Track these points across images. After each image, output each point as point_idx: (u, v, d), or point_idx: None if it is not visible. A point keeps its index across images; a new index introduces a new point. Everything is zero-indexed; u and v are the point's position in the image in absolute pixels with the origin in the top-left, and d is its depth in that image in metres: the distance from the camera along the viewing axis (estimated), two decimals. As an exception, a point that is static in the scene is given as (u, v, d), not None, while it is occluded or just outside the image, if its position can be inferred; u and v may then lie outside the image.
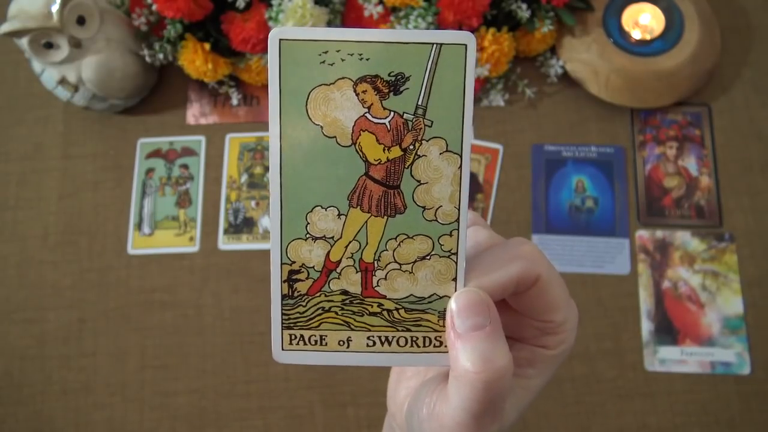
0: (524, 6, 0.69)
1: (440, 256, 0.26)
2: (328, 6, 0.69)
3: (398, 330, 0.27)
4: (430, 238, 0.26)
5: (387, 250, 0.26)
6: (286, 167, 0.25)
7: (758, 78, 0.74)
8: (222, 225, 0.72)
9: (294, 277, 0.27)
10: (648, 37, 0.71)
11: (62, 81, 0.69)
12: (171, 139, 0.76)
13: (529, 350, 0.28)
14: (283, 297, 0.27)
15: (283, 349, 0.27)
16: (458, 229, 0.26)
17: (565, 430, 0.64)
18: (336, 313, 0.27)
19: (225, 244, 0.72)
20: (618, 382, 0.65)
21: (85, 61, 0.68)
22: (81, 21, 0.67)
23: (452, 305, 0.25)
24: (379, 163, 0.26)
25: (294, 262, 0.26)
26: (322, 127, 0.25)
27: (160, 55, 0.72)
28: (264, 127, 0.75)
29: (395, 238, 0.26)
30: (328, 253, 0.26)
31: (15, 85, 0.79)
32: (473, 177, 0.72)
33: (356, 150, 0.25)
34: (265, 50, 0.70)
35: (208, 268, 0.71)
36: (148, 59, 0.72)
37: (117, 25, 0.71)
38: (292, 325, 0.27)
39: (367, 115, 0.25)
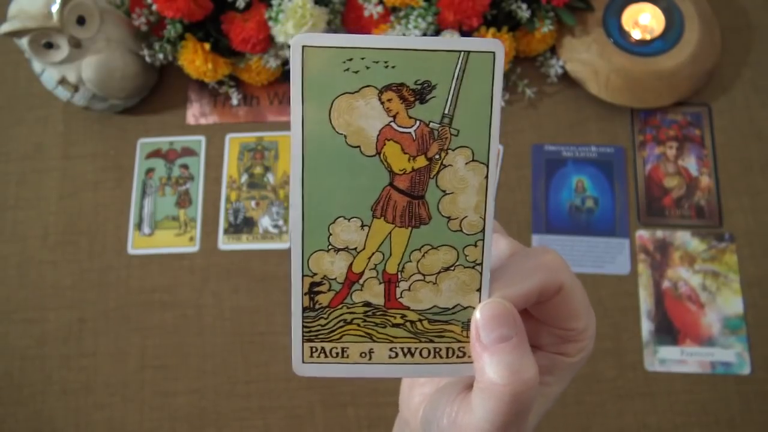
0: (524, 6, 0.69)
1: (465, 267, 0.26)
2: (328, 6, 0.69)
3: (421, 341, 0.27)
4: (455, 248, 0.26)
5: (411, 261, 0.26)
6: (309, 178, 0.25)
7: (758, 78, 0.74)
8: (222, 225, 0.72)
9: (315, 289, 0.26)
10: (648, 37, 0.71)
11: (62, 81, 0.69)
12: (171, 139, 0.76)
13: (548, 358, 0.28)
14: (304, 309, 0.27)
15: (303, 362, 0.27)
16: (483, 240, 0.26)
17: (565, 430, 0.64)
18: (358, 325, 0.27)
19: (225, 244, 0.72)
20: (618, 382, 0.65)
21: (85, 61, 0.68)
22: (81, 21, 0.67)
23: (477, 316, 0.25)
24: (404, 173, 0.25)
25: (315, 274, 0.26)
26: (345, 136, 0.24)
27: (160, 55, 0.72)
28: (264, 127, 0.75)
29: (419, 249, 0.26)
30: (351, 264, 0.26)
31: (15, 85, 0.79)
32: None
33: (381, 160, 0.25)
34: (264, 50, 0.70)
35: (208, 268, 0.71)
36: (148, 59, 0.72)
37: (117, 25, 0.71)
38: (313, 337, 0.27)
39: (392, 124, 0.24)
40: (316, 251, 0.26)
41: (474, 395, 0.25)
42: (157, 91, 0.77)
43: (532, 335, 0.28)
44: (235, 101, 0.75)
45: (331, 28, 0.71)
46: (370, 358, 0.27)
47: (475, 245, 0.26)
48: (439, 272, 0.26)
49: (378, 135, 0.25)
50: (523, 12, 0.69)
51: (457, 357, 0.27)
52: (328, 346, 0.27)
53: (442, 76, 0.24)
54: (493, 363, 0.24)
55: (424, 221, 0.26)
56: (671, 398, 0.64)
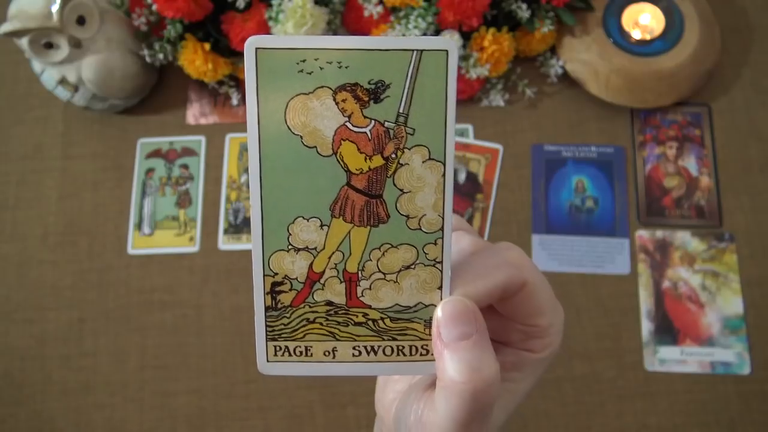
0: (524, 6, 0.69)
1: (425, 265, 0.26)
2: (328, 6, 0.69)
3: (384, 339, 0.27)
4: (415, 247, 0.26)
5: (371, 260, 0.26)
6: (267, 179, 0.25)
7: (758, 78, 0.74)
8: (222, 225, 0.72)
9: (277, 288, 0.27)
10: (648, 37, 0.71)
11: (62, 81, 0.69)
12: (171, 139, 0.76)
13: (515, 354, 0.28)
14: (267, 309, 0.27)
15: (268, 361, 0.27)
16: (443, 238, 0.26)
17: (565, 430, 0.64)
18: (321, 324, 0.27)
19: (225, 244, 0.72)
20: (618, 382, 0.65)
21: (85, 61, 0.68)
22: (81, 21, 0.67)
23: (438, 314, 0.25)
24: (361, 173, 0.25)
25: (276, 274, 0.26)
26: (302, 136, 0.25)
27: (160, 55, 0.72)
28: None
29: (379, 248, 0.26)
30: (311, 264, 0.26)
31: (15, 85, 0.79)
32: (473, 177, 0.73)
33: (337, 160, 0.25)
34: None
35: (208, 268, 0.71)
36: (148, 59, 0.72)
37: (117, 25, 0.71)
38: (276, 336, 0.27)
39: (348, 124, 0.25)
40: (276, 251, 0.26)
41: (437, 393, 0.25)
42: (157, 91, 0.77)
43: (498, 332, 0.28)
44: (235, 101, 0.75)
45: (331, 28, 0.71)
46: (334, 357, 0.27)
47: (435, 243, 0.26)
48: (400, 271, 0.26)
49: (334, 135, 0.25)
50: (523, 12, 0.69)
51: (420, 355, 0.27)
52: (291, 344, 0.27)
53: (396, 76, 0.24)
54: (454, 361, 0.24)
55: (383, 220, 0.26)
56: (671, 398, 0.64)
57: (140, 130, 0.76)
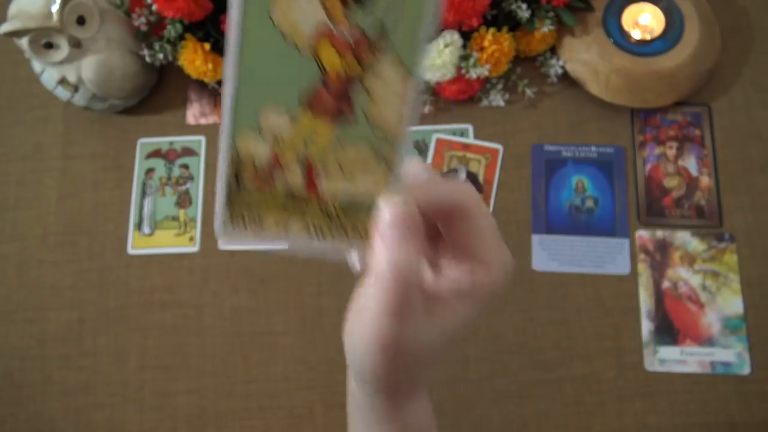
0: (524, 6, 0.69)
1: (379, 165, 0.28)
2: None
3: (332, 223, 0.29)
4: (372, 147, 0.27)
5: (331, 153, 0.28)
6: (244, 67, 0.26)
7: (758, 78, 0.74)
8: (222, 225, 0.72)
9: (241, 168, 0.28)
10: (648, 37, 0.71)
11: (62, 81, 0.69)
12: (171, 139, 0.76)
13: (458, 282, 0.30)
14: (229, 184, 0.28)
15: (225, 232, 0.29)
16: (399, 142, 0.27)
17: (565, 430, 0.64)
18: (277, 203, 0.29)
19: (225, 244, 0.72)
20: (618, 382, 0.65)
21: (85, 61, 0.68)
22: (81, 21, 0.67)
23: (381, 210, 0.27)
24: (334, 72, 0.26)
25: (242, 153, 0.27)
26: (283, 31, 0.25)
27: (160, 55, 0.72)
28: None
29: (340, 143, 0.28)
30: (276, 149, 0.28)
31: (15, 85, 0.79)
32: (473, 177, 0.73)
33: (314, 58, 0.26)
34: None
35: (208, 268, 0.71)
36: (148, 59, 0.72)
37: (117, 25, 0.71)
38: (235, 210, 0.28)
39: (329, 24, 0.25)
40: (245, 132, 0.27)
41: (369, 281, 0.27)
42: (157, 91, 0.77)
43: (446, 260, 0.31)
44: (235, 101, 0.75)
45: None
46: (286, 231, 0.29)
47: (391, 146, 0.27)
48: (356, 167, 0.28)
49: (314, 34, 0.26)
50: (523, 12, 0.69)
51: (364, 243, 0.29)
52: (247, 212, 0.29)
53: None
54: (383, 252, 0.26)
55: (348, 118, 0.27)
56: (671, 398, 0.64)
57: (140, 130, 0.76)
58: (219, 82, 0.75)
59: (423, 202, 0.28)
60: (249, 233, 0.29)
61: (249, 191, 0.28)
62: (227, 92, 0.26)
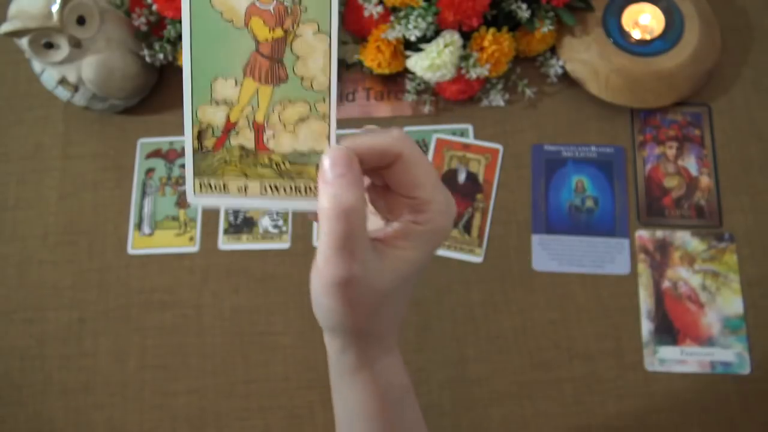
0: (524, 6, 0.69)
1: (316, 119, 0.32)
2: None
3: (284, 179, 0.33)
4: (308, 103, 0.32)
5: (274, 113, 0.32)
6: (195, 46, 0.32)
7: (758, 78, 0.74)
8: (222, 225, 0.72)
9: (202, 135, 0.33)
10: (648, 37, 0.71)
11: (62, 81, 0.69)
12: (171, 139, 0.76)
13: (402, 224, 0.33)
14: (194, 152, 0.33)
15: (195, 194, 0.33)
16: (330, 96, 0.32)
17: (565, 430, 0.64)
18: (235, 165, 0.33)
19: (225, 244, 0.72)
20: (618, 382, 0.65)
21: (85, 61, 0.68)
22: (81, 21, 0.67)
23: (324, 158, 0.31)
24: (266, 42, 0.32)
25: (202, 122, 0.33)
26: (222, 12, 0.31)
27: (160, 55, 0.72)
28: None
29: (280, 103, 0.32)
30: (228, 115, 0.32)
31: (15, 85, 0.79)
32: (473, 177, 0.73)
33: (248, 31, 0.31)
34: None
35: (208, 268, 0.71)
36: (148, 59, 0.72)
37: (117, 25, 0.71)
38: (201, 174, 0.33)
39: (256, 2, 0.31)
40: (202, 104, 0.32)
41: (320, 228, 0.31)
42: (157, 91, 0.77)
43: (391, 206, 0.34)
44: (235, 101, 0.75)
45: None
46: (246, 193, 0.33)
47: (324, 101, 0.32)
48: (297, 123, 0.32)
49: (245, 11, 0.31)
50: (523, 12, 0.69)
51: (313, 194, 0.33)
52: (212, 181, 0.33)
53: None
54: (327, 193, 0.30)
55: (283, 80, 0.32)
56: (671, 398, 0.64)
57: (140, 130, 0.76)
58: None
59: (359, 147, 0.31)
60: (215, 196, 0.34)
61: (211, 156, 0.33)
62: (185, 71, 0.32)
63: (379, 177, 0.34)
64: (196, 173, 0.33)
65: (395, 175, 0.33)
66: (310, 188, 0.33)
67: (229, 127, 0.33)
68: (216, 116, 0.32)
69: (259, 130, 0.33)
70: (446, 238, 0.34)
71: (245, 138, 0.33)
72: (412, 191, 0.33)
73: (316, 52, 0.32)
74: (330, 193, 0.30)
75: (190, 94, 0.32)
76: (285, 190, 0.33)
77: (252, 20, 0.31)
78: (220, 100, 0.32)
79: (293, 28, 0.31)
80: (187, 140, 0.33)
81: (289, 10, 0.31)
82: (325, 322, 0.34)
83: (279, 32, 0.31)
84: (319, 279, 0.31)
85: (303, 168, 0.33)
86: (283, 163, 0.33)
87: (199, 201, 0.34)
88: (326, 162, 0.31)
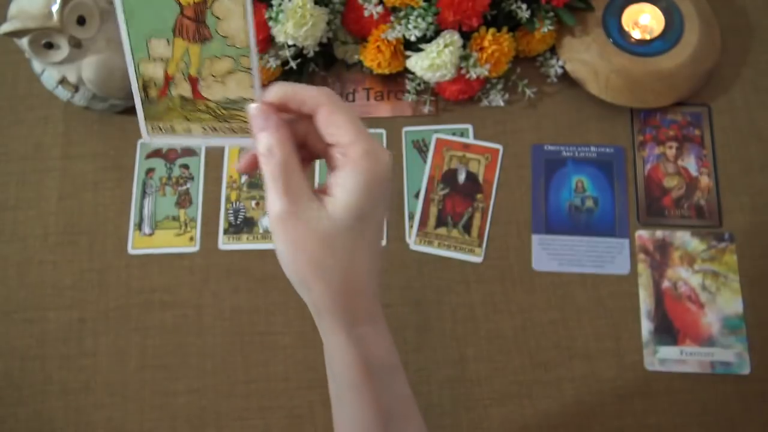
0: (524, 6, 0.69)
1: (241, 71, 0.37)
2: (328, 6, 0.69)
3: (221, 122, 0.39)
4: (232, 58, 0.37)
5: (204, 66, 0.37)
6: (128, 10, 0.36)
7: (758, 78, 0.74)
8: (222, 225, 0.72)
9: (147, 86, 0.39)
10: (648, 37, 0.71)
11: (62, 81, 0.69)
12: (171, 139, 0.76)
13: (335, 172, 0.37)
14: (142, 101, 0.39)
15: (149, 135, 0.40)
16: (250, 51, 0.37)
17: (565, 430, 0.64)
18: (178, 110, 0.39)
19: (225, 244, 0.72)
20: (618, 382, 0.65)
21: (86, 61, 0.68)
22: (81, 21, 0.67)
23: (249, 111, 0.38)
24: (189, 6, 0.36)
25: (144, 76, 0.38)
26: None
27: (160, 55, 0.72)
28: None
29: (209, 58, 0.37)
30: (165, 69, 0.38)
31: (15, 85, 0.79)
32: (473, 177, 0.73)
33: None
34: (264, 50, 0.70)
35: (208, 268, 0.71)
36: (148, 59, 0.72)
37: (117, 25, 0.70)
38: (150, 118, 0.40)
39: None
40: (142, 60, 0.38)
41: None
42: (157, 91, 0.77)
43: (323, 149, 0.39)
44: (235, 101, 0.75)
45: (331, 28, 0.71)
46: (191, 133, 0.40)
47: (246, 56, 0.37)
48: (225, 75, 0.37)
49: None
50: (523, 12, 0.69)
51: (246, 132, 0.39)
52: (161, 124, 0.40)
53: None
54: (260, 142, 0.37)
55: (208, 39, 0.37)
56: (671, 398, 0.64)
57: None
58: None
59: (282, 97, 0.37)
60: (165, 137, 0.40)
61: (156, 103, 0.39)
62: (122, 34, 0.37)
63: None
64: (147, 118, 0.40)
65: (320, 124, 0.37)
66: (243, 129, 0.39)
67: (168, 80, 0.38)
68: (155, 71, 0.38)
69: (193, 81, 0.38)
70: (383, 185, 0.37)
71: (183, 89, 0.38)
72: (335, 136, 0.37)
73: (234, 14, 0.36)
74: (261, 141, 0.36)
75: (130, 51, 0.38)
76: (222, 130, 0.39)
77: None
78: (156, 57, 0.37)
79: None
80: (135, 91, 0.39)
81: None
82: (286, 272, 0.38)
83: None
84: (269, 224, 0.37)
85: (235, 112, 0.38)
86: (218, 109, 0.38)
87: (153, 140, 0.41)
88: (250, 114, 0.37)
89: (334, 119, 0.37)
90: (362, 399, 0.39)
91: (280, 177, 0.36)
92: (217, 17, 0.36)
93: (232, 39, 0.36)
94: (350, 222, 0.36)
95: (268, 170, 0.36)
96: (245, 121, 0.38)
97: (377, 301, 0.40)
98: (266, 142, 0.36)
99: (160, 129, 0.40)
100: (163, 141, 0.41)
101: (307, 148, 0.40)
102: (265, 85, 0.37)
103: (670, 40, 0.70)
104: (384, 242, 0.71)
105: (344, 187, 0.36)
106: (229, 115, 0.39)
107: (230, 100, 0.38)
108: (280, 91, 0.37)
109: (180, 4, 0.36)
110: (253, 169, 0.39)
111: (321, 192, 0.37)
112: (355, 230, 0.37)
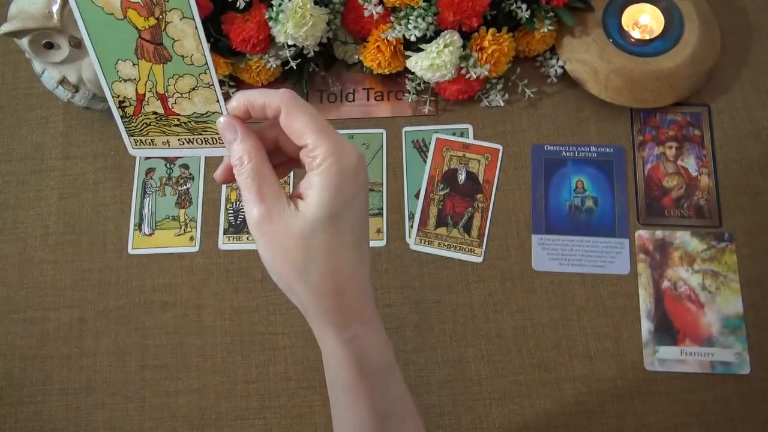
0: (524, 6, 0.69)
1: (204, 87, 0.39)
2: (328, 6, 0.69)
3: (195, 134, 0.41)
4: (193, 76, 0.39)
5: (170, 85, 0.39)
6: (93, 37, 0.38)
7: (758, 78, 0.75)
8: (222, 225, 0.72)
9: (123, 105, 0.41)
10: (648, 37, 0.71)
11: (63, 81, 0.69)
12: (171, 139, 0.76)
13: (304, 160, 0.38)
14: (121, 117, 0.41)
15: (133, 148, 0.43)
16: (209, 68, 0.38)
17: (565, 430, 0.64)
18: (155, 125, 0.41)
19: (225, 244, 0.72)
20: (618, 382, 0.65)
21: (86, 61, 0.68)
22: (81, 21, 0.67)
23: (218, 126, 0.40)
24: (146, 29, 0.37)
25: (119, 96, 0.40)
26: (102, 7, 0.37)
27: (160, 55, 0.72)
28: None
29: (173, 77, 0.39)
30: (136, 89, 0.40)
31: (15, 85, 0.79)
32: (473, 177, 0.73)
33: (128, 21, 0.37)
34: (265, 50, 0.70)
35: (208, 268, 0.71)
36: (148, 59, 0.72)
37: (117, 25, 0.70)
38: (131, 133, 0.42)
39: None
40: (114, 81, 0.40)
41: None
42: (157, 91, 0.77)
43: (293, 152, 0.39)
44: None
45: (331, 28, 0.71)
46: (169, 145, 0.42)
47: (206, 72, 0.39)
48: (190, 91, 0.39)
49: (120, 5, 0.37)
50: (523, 12, 0.69)
51: (219, 144, 0.41)
52: (142, 138, 0.42)
53: None
54: (232, 152, 0.39)
55: (168, 59, 0.38)
56: (671, 398, 0.64)
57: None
58: (219, 82, 0.75)
59: (243, 106, 0.38)
60: (148, 149, 0.43)
61: (134, 120, 0.41)
62: (91, 55, 0.38)
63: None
64: (129, 133, 0.42)
65: (286, 127, 0.38)
66: (215, 140, 0.41)
67: (140, 98, 0.40)
68: (128, 90, 0.40)
69: (162, 99, 0.40)
70: (352, 182, 0.37)
71: (155, 106, 0.40)
72: (300, 139, 0.37)
73: (187, 35, 0.37)
74: (233, 152, 0.38)
75: (102, 74, 0.39)
76: (198, 142, 0.42)
77: (128, 12, 0.37)
78: (126, 78, 0.39)
79: (163, 16, 0.37)
80: (113, 110, 0.41)
81: (155, 1, 0.36)
82: (272, 276, 0.38)
83: (152, 20, 0.37)
84: (250, 228, 0.38)
85: (206, 125, 0.41)
86: (190, 122, 0.41)
87: (137, 153, 0.43)
88: (219, 128, 0.40)
89: (293, 121, 0.37)
90: (357, 400, 0.39)
91: (253, 185, 0.37)
92: (173, 38, 0.37)
93: (189, 58, 0.38)
94: (324, 222, 0.36)
95: (241, 179, 0.38)
96: (216, 133, 0.40)
97: (369, 300, 0.40)
98: (237, 153, 0.38)
99: (142, 142, 0.42)
100: (147, 153, 0.43)
101: (282, 152, 0.41)
102: (268, 86, 0.38)
103: (669, 40, 0.71)
104: (384, 242, 0.71)
105: (314, 188, 0.37)
106: (201, 128, 0.41)
107: (199, 114, 0.40)
108: (239, 101, 0.39)
109: (137, 27, 0.37)
110: (230, 179, 0.40)
111: (296, 196, 0.38)
112: (330, 230, 0.37)
